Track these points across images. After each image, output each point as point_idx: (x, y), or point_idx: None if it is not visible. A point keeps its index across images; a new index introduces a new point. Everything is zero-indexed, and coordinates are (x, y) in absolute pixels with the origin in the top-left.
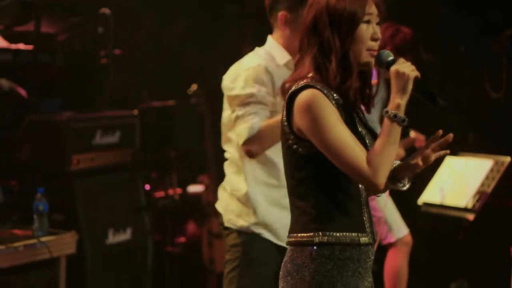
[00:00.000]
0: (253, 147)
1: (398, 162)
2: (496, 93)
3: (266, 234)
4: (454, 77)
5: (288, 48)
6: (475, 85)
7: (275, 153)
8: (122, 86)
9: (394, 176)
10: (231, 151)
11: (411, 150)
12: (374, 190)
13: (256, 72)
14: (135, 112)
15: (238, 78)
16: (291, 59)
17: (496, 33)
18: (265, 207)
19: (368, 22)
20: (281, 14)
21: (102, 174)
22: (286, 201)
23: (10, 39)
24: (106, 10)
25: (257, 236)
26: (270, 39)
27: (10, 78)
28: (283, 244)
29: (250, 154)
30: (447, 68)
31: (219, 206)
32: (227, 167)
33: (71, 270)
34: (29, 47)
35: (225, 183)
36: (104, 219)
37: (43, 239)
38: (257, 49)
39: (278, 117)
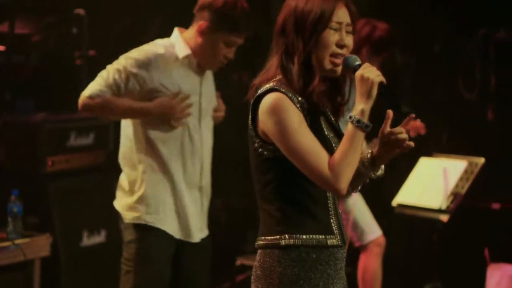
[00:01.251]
0: (91, 106)
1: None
2: (470, 93)
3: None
4: (428, 77)
5: (192, 51)
6: (449, 86)
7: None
8: None
9: (374, 161)
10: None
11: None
12: (337, 195)
13: (147, 56)
14: None
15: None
16: (191, 53)
17: (470, 34)
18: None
19: (335, 29)
20: (202, 23)
21: (76, 176)
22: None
23: None
24: (80, 11)
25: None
26: (177, 32)
27: None
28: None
29: (84, 107)
30: (421, 68)
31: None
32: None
33: (46, 273)
34: (3, 47)
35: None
36: (78, 221)
37: (17, 241)
38: (157, 40)
39: (128, 103)
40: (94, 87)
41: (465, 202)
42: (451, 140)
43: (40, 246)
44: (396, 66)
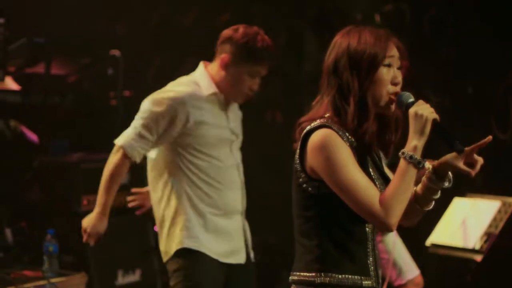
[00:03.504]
0: (123, 156)
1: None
2: (504, 134)
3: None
4: (462, 118)
5: (217, 85)
6: (483, 126)
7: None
8: None
9: (437, 175)
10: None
11: None
12: (386, 230)
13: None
14: None
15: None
16: (217, 91)
17: (502, 74)
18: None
19: (389, 65)
20: (225, 56)
21: (112, 215)
22: None
23: (21, 80)
24: (116, 52)
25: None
26: (202, 67)
27: (20, 120)
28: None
29: (120, 160)
30: (455, 109)
31: None
32: None
33: None
34: (18, 87)
35: None
36: (113, 260)
37: (53, 280)
38: (181, 79)
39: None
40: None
41: (499, 242)
42: (485, 180)
43: (75, 284)
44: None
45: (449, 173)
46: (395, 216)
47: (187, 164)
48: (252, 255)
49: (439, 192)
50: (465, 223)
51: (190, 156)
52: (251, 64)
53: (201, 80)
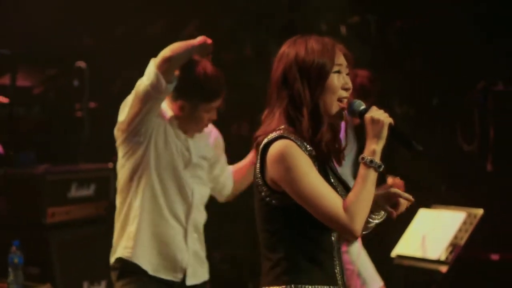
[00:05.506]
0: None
1: None
2: (469, 145)
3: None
4: (427, 129)
5: (175, 116)
6: (448, 138)
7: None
8: (97, 139)
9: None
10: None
11: None
12: (352, 236)
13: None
14: (110, 165)
15: None
16: (173, 116)
17: (468, 86)
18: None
19: (338, 72)
20: (180, 102)
21: (77, 227)
22: None
23: None
24: (82, 63)
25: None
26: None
27: None
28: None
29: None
30: (420, 120)
31: None
32: None
33: None
34: (6, 99)
35: None
36: (79, 272)
37: None
38: None
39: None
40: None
41: (464, 253)
42: (450, 191)
43: None
44: (395, 117)
45: (382, 211)
46: (360, 221)
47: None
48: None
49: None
50: (430, 234)
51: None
52: (206, 104)
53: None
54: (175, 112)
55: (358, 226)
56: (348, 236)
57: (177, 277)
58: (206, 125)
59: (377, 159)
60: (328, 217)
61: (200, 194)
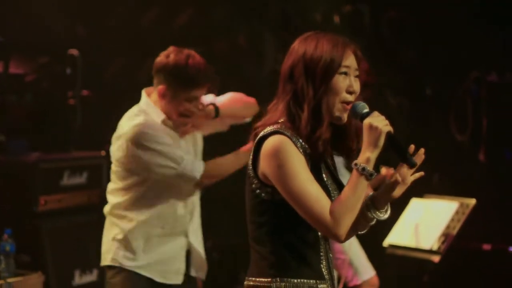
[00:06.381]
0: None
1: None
2: (462, 135)
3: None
4: (420, 119)
5: (164, 111)
6: (441, 128)
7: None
8: (90, 126)
9: (374, 205)
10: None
11: None
12: (335, 240)
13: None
14: (103, 153)
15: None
16: (166, 117)
17: (462, 76)
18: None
19: (345, 74)
20: (161, 87)
21: (69, 215)
22: None
23: None
24: (74, 51)
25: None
26: (145, 97)
27: None
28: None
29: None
30: (413, 110)
31: None
32: None
33: None
34: None
35: None
36: (70, 260)
37: (10, 280)
38: (131, 110)
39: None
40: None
41: (456, 243)
42: (443, 181)
43: (32, 284)
44: (389, 108)
45: (388, 205)
46: (344, 226)
47: None
48: None
49: (374, 220)
50: (422, 224)
51: None
52: (186, 91)
53: (148, 109)
54: (159, 97)
55: (342, 230)
56: (332, 239)
57: None
58: (195, 126)
59: (370, 167)
60: (313, 218)
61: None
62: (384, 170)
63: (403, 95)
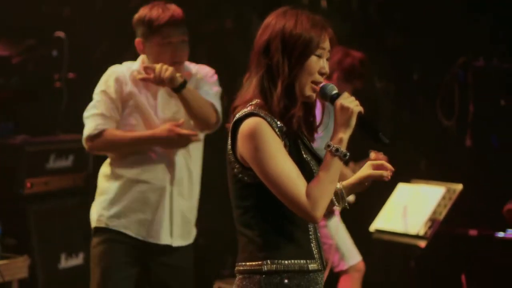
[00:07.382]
0: (94, 147)
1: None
2: (448, 120)
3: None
4: (407, 104)
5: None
6: (428, 113)
7: None
8: (76, 109)
9: (343, 195)
10: None
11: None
12: (311, 222)
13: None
14: None
15: None
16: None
17: (449, 62)
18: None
19: (319, 56)
20: (137, 40)
21: (55, 198)
22: None
23: None
24: (60, 34)
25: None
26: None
27: None
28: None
29: (89, 150)
30: (400, 95)
31: None
32: None
33: None
34: None
35: None
36: (56, 244)
37: None
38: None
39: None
40: (89, 126)
41: (442, 228)
42: (429, 166)
43: (18, 267)
44: (375, 92)
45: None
46: (321, 208)
47: None
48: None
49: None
50: (409, 209)
51: None
52: (156, 38)
53: (136, 62)
54: (138, 51)
55: (318, 212)
56: (308, 221)
57: None
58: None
59: (343, 147)
60: (289, 201)
61: None
62: (373, 155)
63: (389, 80)
